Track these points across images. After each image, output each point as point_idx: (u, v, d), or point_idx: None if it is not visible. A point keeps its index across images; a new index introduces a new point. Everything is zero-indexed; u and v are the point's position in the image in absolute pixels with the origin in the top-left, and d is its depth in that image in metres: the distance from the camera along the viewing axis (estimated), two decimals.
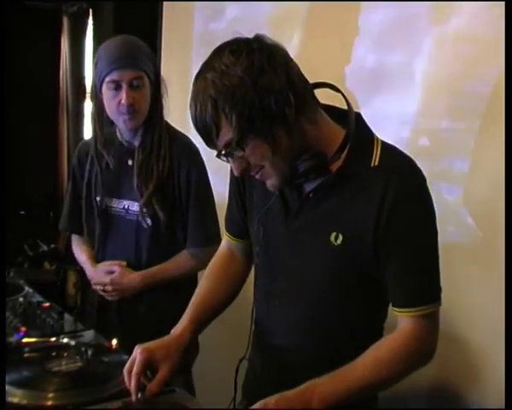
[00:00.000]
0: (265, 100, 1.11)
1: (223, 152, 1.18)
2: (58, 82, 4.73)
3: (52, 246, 4.30)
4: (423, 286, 1.24)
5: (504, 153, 1.43)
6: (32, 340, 1.49)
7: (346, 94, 1.26)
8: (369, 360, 1.21)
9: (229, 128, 1.13)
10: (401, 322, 1.24)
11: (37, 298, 1.88)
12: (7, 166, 4.22)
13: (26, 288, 1.97)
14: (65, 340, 1.50)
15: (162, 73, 2.09)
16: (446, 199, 1.83)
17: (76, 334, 1.57)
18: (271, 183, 1.24)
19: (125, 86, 1.86)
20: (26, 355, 1.42)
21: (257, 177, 1.24)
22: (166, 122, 2.03)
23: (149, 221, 1.98)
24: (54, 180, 4.58)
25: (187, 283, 2.10)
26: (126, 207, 2.03)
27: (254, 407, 1.11)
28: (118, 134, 2.03)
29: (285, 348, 1.37)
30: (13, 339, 1.47)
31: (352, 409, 1.21)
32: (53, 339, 1.51)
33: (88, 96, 4.11)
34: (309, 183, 1.26)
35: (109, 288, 2.02)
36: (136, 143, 1.99)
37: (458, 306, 1.74)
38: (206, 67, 1.15)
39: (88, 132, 2.91)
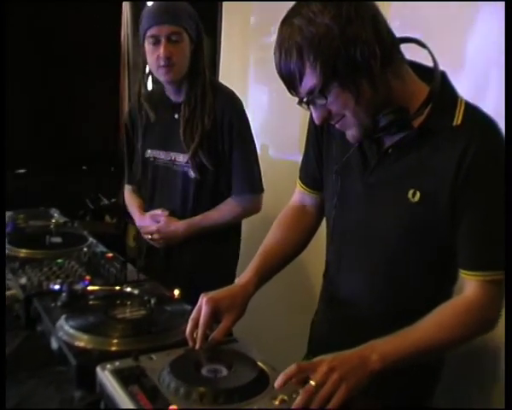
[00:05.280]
0: (351, 50, 1.09)
1: (305, 99, 1.17)
2: (120, 41, 4.78)
3: (113, 200, 4.40)
4: (494, 250, 1.19)
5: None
6: (97, 288, 1.52)
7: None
8: (431, 323, 1.18)
9: (312, 75, 1.12)
10: (467, 286, 1.21)
11: (101, 248, 1.91)
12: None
13: (90, 238, 2.01)
14: (128, 289, 1.52)
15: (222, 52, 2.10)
16: None
17: (138, 284, 1.59)
18: (351, 133, 1.23)
19: (163, 40, 1.94)
20: (90, 302, 1.44)
21: (337, 126, 1.23)
22: (210, 77, 2.08)
23: (195, 172, 2.04)
24: (115, 135, 4.65)
25: (232, 232, 2.17)
26: (173, 158, 2.10)
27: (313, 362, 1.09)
28: (166, 91, 2.12)
29: (353, 304, 1.36)
30: (78, 287, 1.50)
31: (416, 368, 1.20)
32: (117, 288, 1.53)
33: None
34: (389, 137, 1.24)
35: (156, 236, 2.11)
36: (182, 100, 2.06)
37: None
38: (293, 13, 1.13)
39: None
